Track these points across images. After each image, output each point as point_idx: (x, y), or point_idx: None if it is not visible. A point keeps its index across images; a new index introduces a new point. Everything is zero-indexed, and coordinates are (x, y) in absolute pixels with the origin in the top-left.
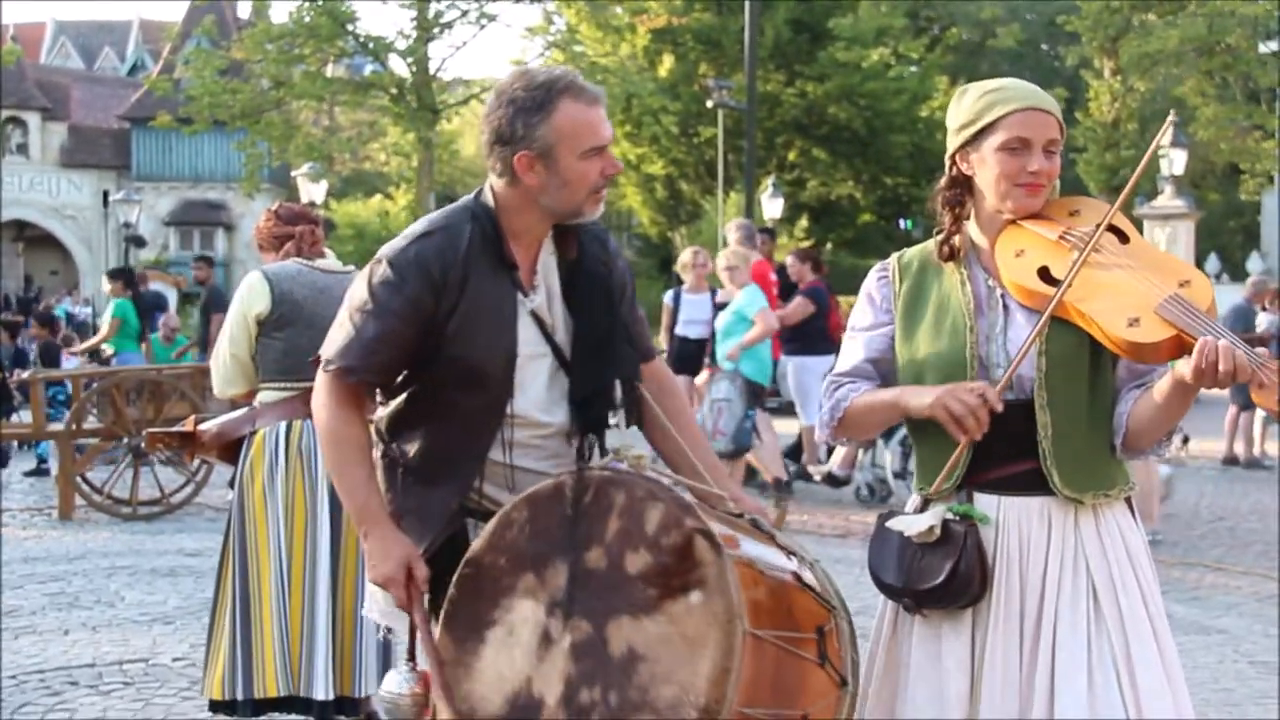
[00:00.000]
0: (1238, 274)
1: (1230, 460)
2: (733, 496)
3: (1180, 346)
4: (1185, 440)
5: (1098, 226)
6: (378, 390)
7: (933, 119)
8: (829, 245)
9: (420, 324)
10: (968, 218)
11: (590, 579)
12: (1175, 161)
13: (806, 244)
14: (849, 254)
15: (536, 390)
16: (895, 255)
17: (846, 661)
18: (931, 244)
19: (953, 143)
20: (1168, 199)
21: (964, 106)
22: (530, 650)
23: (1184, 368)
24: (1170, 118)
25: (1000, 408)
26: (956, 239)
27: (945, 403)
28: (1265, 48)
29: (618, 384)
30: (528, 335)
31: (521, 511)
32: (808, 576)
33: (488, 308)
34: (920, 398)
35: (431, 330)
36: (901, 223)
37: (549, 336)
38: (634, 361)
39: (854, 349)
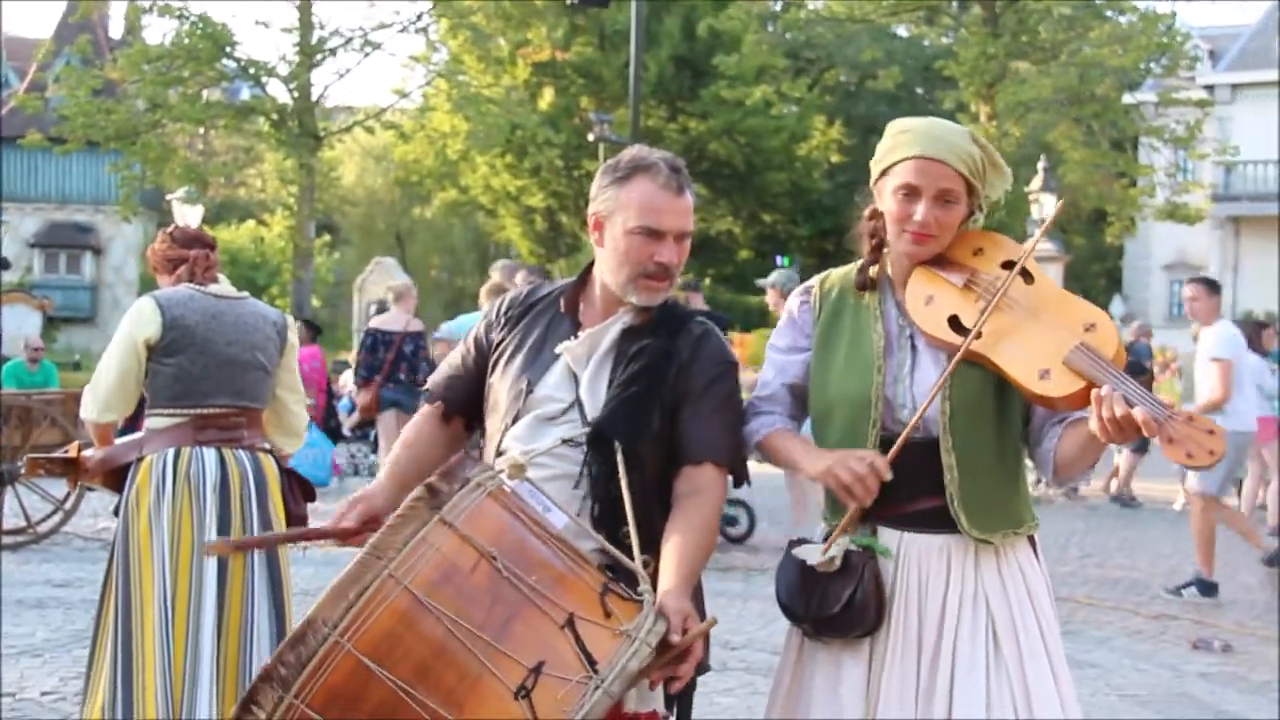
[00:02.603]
0: None
1: (1115, 496)
2: (662, 597)
3: (1089, 396)
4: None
5: (1008, 266)
6: (466, 419)
7: (810, 158)
8: (708, 280)
9: (481, 355)
10: (886, 248)
11: None
12: (1045, 205)
13: (684, 278)
14: (727, 289)
15: (529, 421)
16: (819, 277)
17: (565, 716)
18: (852, 270)
19: (872, 173)
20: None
21: (882, 141)
22: None
23: (1093, 425)
24: (1041, 163)
25: (889, 477)
26: (873, 269)
27: (835, 471)
28: (1130, 98)
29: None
30: (556, 378)
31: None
32: (591, 631)
33: (532, 344)
34: (814, 463)
35: (486, 361)
36: (779, 259)
37: (577, 384)
38: (630, 432)
39: (772, 372)
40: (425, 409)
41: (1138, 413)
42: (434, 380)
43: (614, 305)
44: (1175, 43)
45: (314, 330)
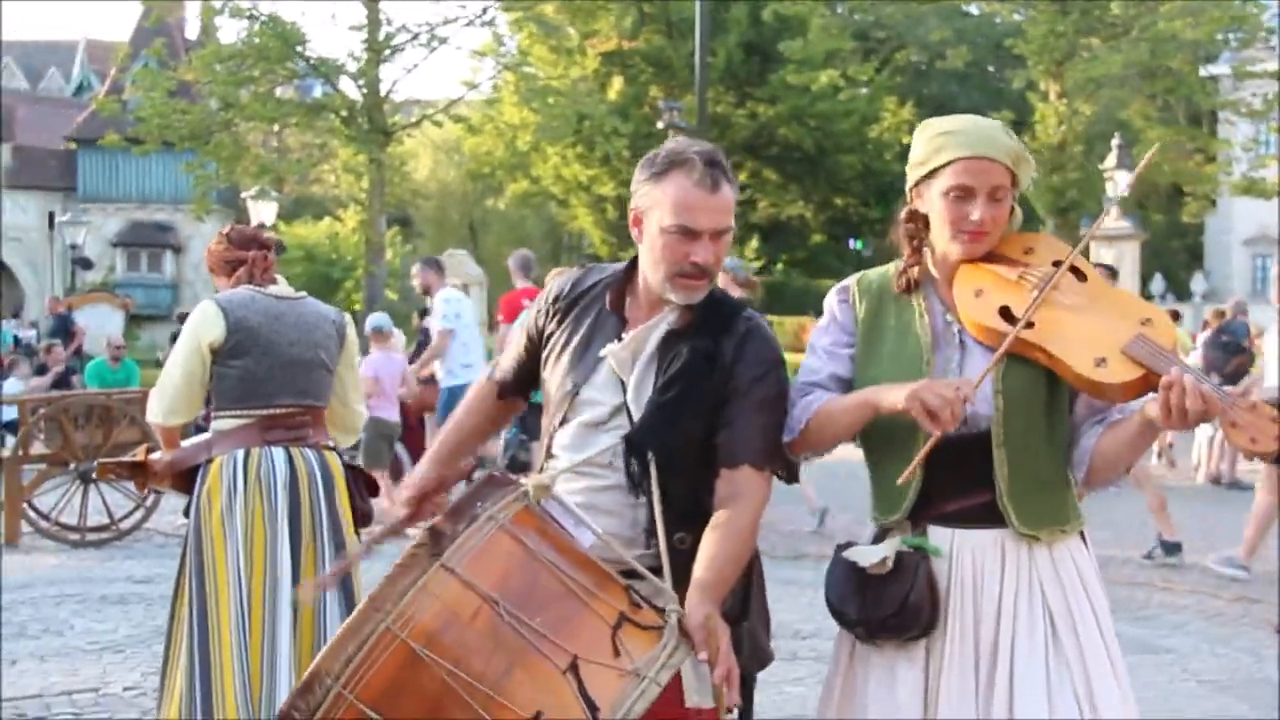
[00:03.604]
0: (1183, 293)
1: (1214, 480)
2: (691, 606)
3: (1146, 386)
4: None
5: (1058, 264)
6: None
7: (881, 140)
8: (780, 265)
9: (533, 342)
10: (927, 249)
11: None
12: (1120, 184)
13: (757, 264)
14: (800, 274)
15: (576, 426)
16: (855, 277)
17: None
18: (892, 269)
19: (910, 177)
20: (1113, 220)
21: (919, 143)
22: None
23: (1153, 409)
24: (1115, 140)
25: (975, 402)
26: (915, 271)
27: (921, 396)
28: (1206, 71)
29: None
30: (603, 379)
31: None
32: (595, 674)
33: (577, 343)
34: (894, 393)
35: (539, 350)
36: (852, 242)
37: (623, 389)
38: (668, 441)
39: (819, 362)
40: (483, 382)
41: (1206, 393)
42: (502, 361)
43: (658, 302)
44: (1250, 14)
45: None
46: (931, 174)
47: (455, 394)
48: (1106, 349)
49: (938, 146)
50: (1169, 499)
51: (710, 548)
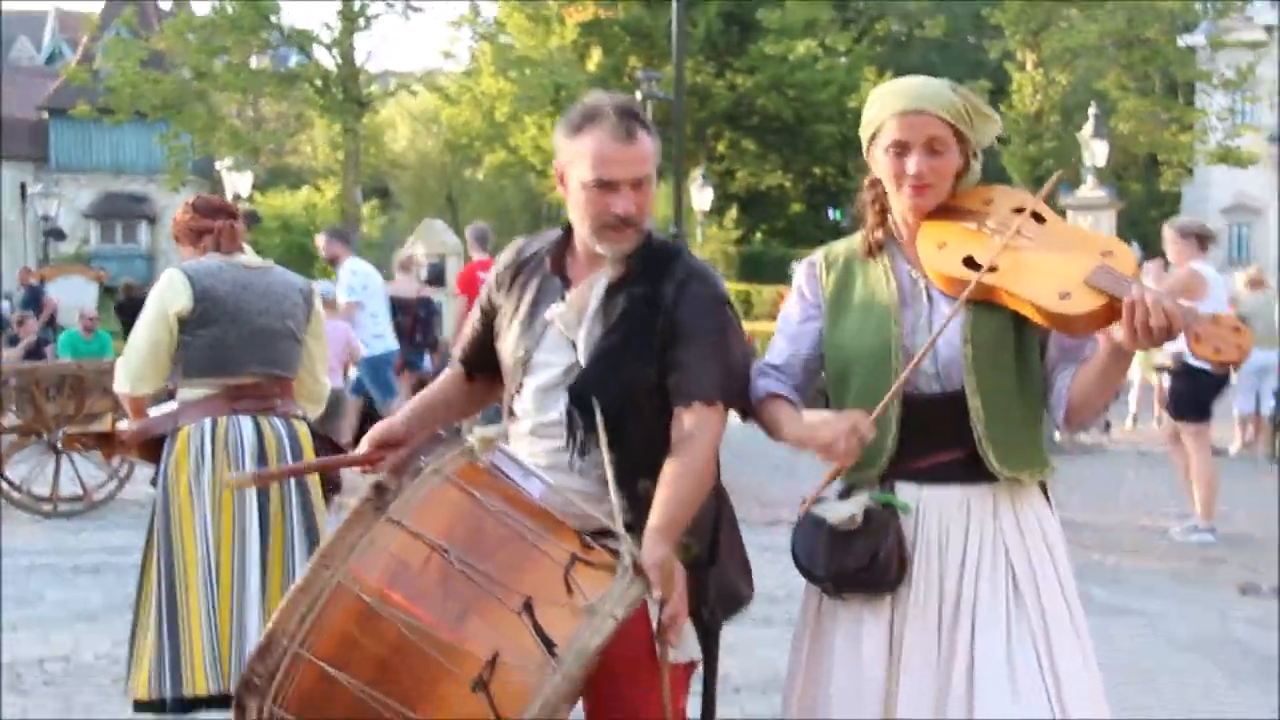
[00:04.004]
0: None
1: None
2: (647, 547)
3: (1112, 314)
4: (1107, 426)
5: (1019, 211)
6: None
7: (860, 109)
8: (759, 235)
9: (487, 319)
10: (889, 212)
11: None
12: (1097, 153)
13: (736, 234)
14: (779, 243)
15: (533, 391)
16: (822, 250)
17: (520, 708)
18: (858, 238)
19: (864, 144)
20: (1090, 190)
21: (866, 109)
22: None
23: (1119, 332)
24: (1092, 110)
25: (871, 436)
26: (879, 233)
27: (816, 433)
28: (1183, 41)
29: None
30: (551, 342)
31: None
32: (550, 613)
33: (525, 309)
34: (795, 427)
35: (492, 324)
36: (831, 212)
37: (574, 348)
38: (609, 389)
39: (784, 343)
40: (450, 369)
41: (1169, 309)
42: (458, 343)
43: (597, 258)
44: None
45: None
46: (875, 135)
47: (371, 365)
48: (1070, 282)
49: (877, 109)
50: (1142, 464)
51: (664, 490)
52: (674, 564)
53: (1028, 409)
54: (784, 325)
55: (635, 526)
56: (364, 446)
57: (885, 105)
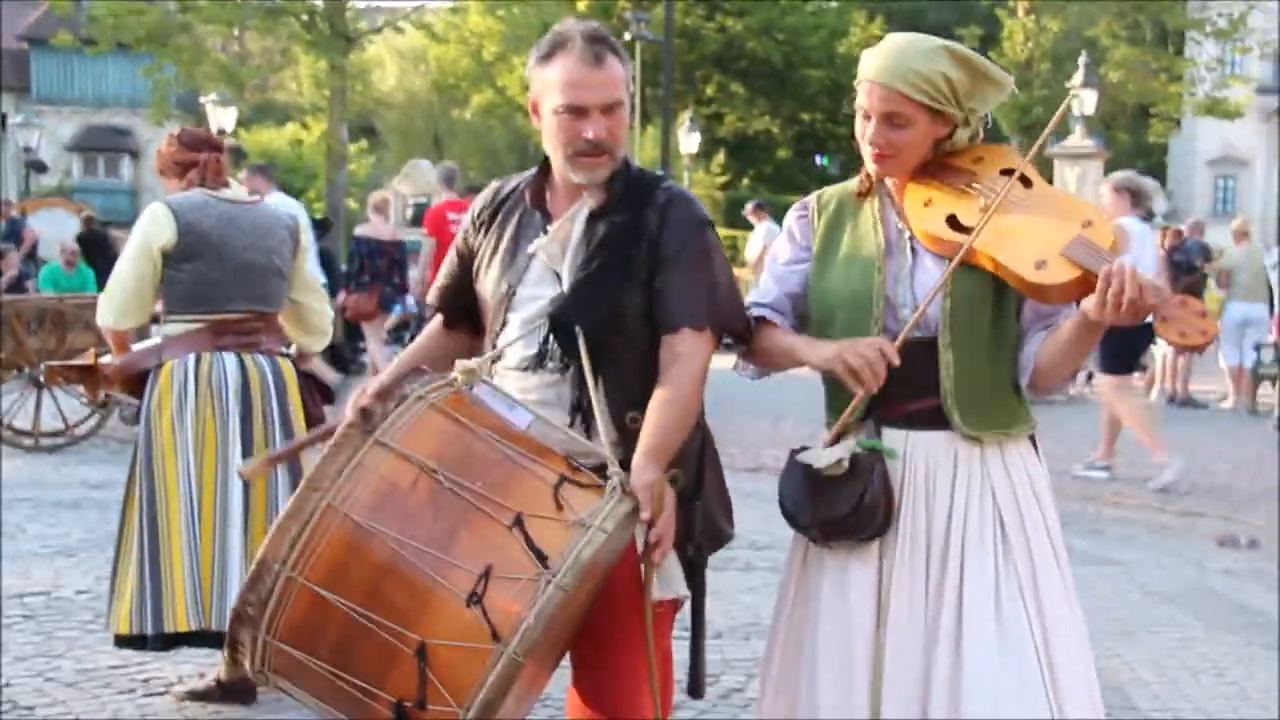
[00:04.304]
0: (1149, 213)
1: (1171, 398)
2: (635, 470)
3: (1086, 286)
4: (1089, 377)
5: (1007, 173)
6: (470, 324)
7: (850, 55)
8: (746, 180)
9: (465, 261)
10: None
11: None
12: (1086, 102)
13: (723, 179)
14: (766, 189)
15: (518, 324)
16: (815, 194)
17: (515, 619)
18: (852, 183)
19: None
20: (1078, 139)
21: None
22: None
23: (1089, 303)
24: (1082, 58)
25: (897, 362)
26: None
27: (844, 357)
28: None
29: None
30: (536, 276)
31: None
32: (541, 527)
33: (506, 245)
34: (819, 351)
35: (472, 266)
36: (818, 158)
37: (559, 280)
38: (592, 314)
39: (772, 283)
40: (431, 322)
41: (1143, 284)
42: (432, 292)
43: (576, 190)
44: None
45: (323, 226)
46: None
47: None
48: (1046, 251)
49: (862, 64)
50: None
51: (653, 414)
52: (664, 485)
53: (1000, 369)
54: (771, 266)
55: (623, 461)
56: (351, 411)
57: (864, 66)
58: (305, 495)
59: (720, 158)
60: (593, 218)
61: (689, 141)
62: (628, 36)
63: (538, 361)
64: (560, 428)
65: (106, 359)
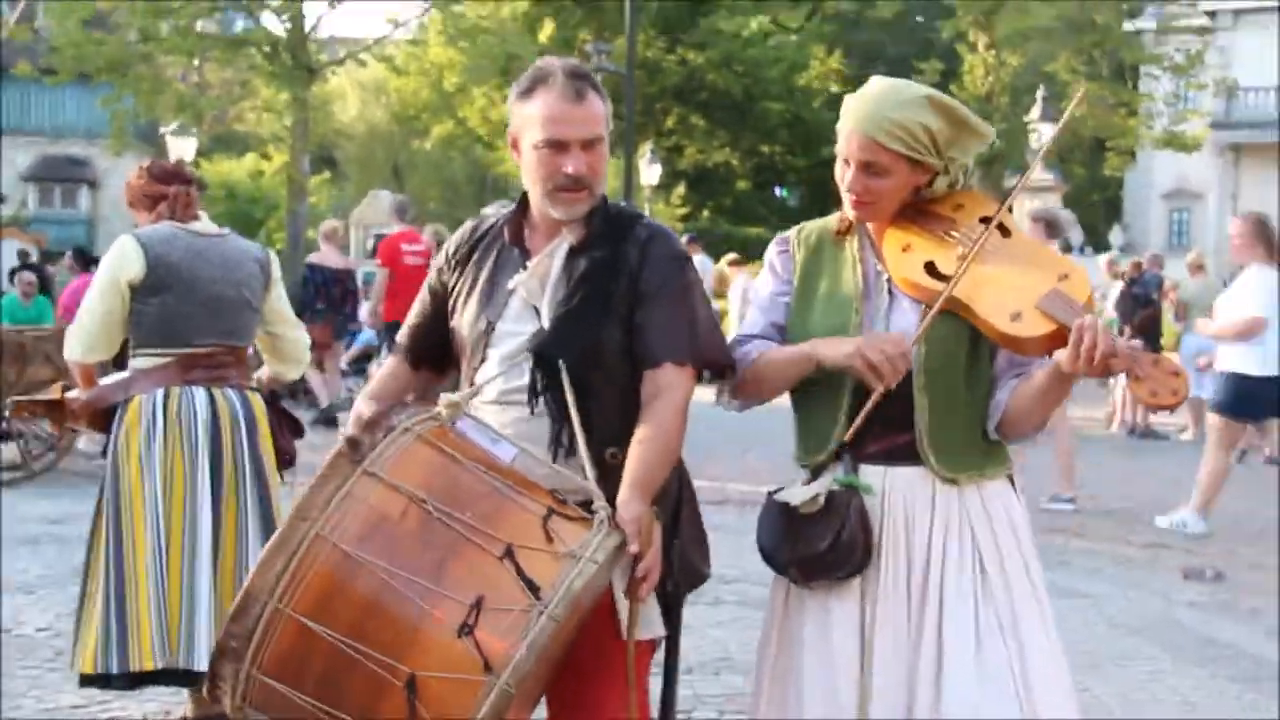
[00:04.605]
0: (1100, 245)
1: (1131, 430)
2: (621, 503)
3: (1060, 340)
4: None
5: (986, 221)
6: (434, 367)
7: (809, 88)
8: (706, 212)
9: (438, 300)
10: None
11: None
12: (1044, 135)
13: (683, 210)
14: (726, 220)
15: (498, 360)
16: (795, 229)
17: (508, 651)
18: (832, 219)
19: None
20: (1036, 172)
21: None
22: None
23: (1064, 357)
24: (1040, 93)
25: (909, 362)
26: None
27: (864, 352)
28: (1130, 25)
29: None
30: (515, 312)
31: None
32: (532, 558)
33: (484, 282)
34: (838, 347)
35: (446, 306)
36: (777, 190)
37: (538, 316)
38: (573, 349)
39: (757, 315)
40: (392, 360)
41: (1117, 345)
42: (400, 332)
43: (555, 226)
44: None
45: (86, 260)
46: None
47: None
48: (1022, 303)
49: (843, 112)
50: (1083, 447)
51: (636, 449)
52: (651, 519)
53: (973, 414)
54: (756, 299)
55: (605, 496)
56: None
57: (846, 114)
58: (293, 525)
59: (680, 190)
60: (572, 253)
61: (650, 173)
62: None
63: (523, 397)
64: (545, 461)
65: (73, 393)
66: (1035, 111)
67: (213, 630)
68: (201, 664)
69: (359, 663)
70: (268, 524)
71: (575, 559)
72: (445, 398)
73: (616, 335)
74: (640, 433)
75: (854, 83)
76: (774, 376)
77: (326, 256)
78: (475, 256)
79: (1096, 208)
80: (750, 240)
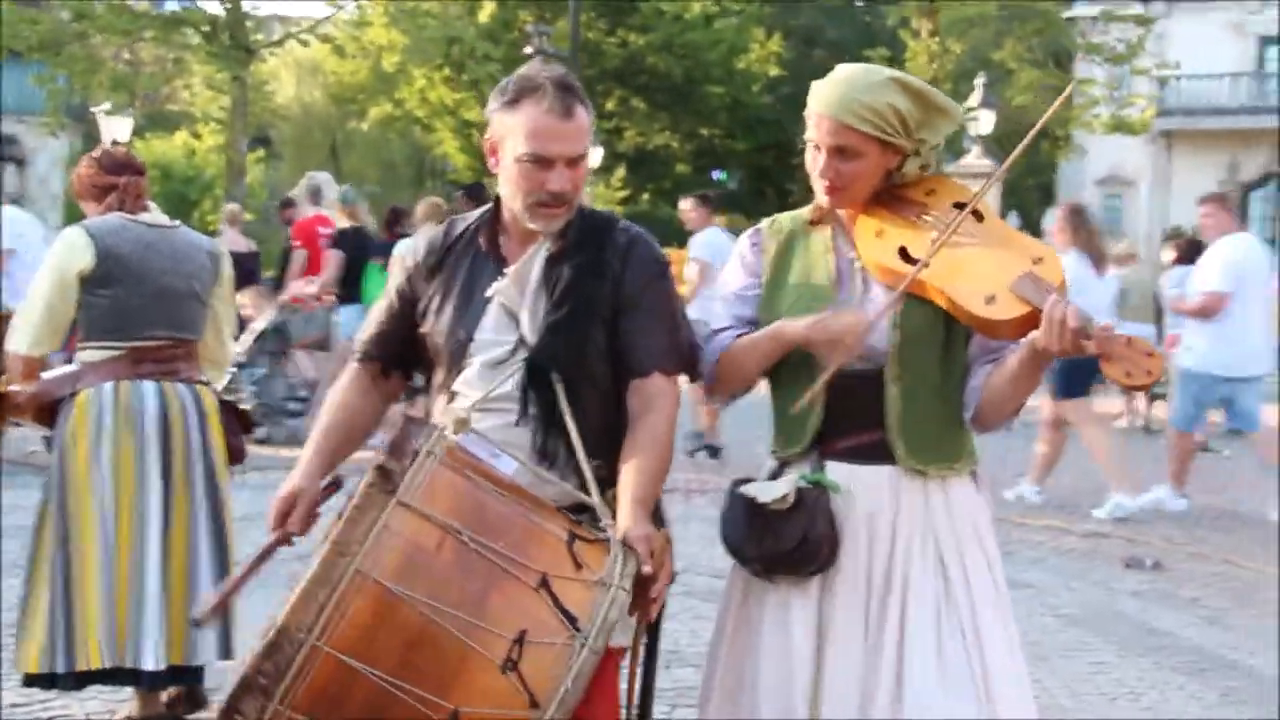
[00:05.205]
0: (1035, 230)
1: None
2: (623, 528)
3: (1034, 322)
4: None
5: (959, 206)
6: (405, 371)
7: (749, 71)
8: (645, 195)
9: (406, 306)
10: None
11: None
12: (984, 121)
13: (623, 193)
14: (666, 204)
15: (478, 368)
16: (768, 220)
17: (552, 686)
18: (805, 210)
19: None
20: (975, 158)
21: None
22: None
23: (1039, 334)
24: (979, 79)
25: (874, 333)
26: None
27: (825, 324)
28: (1069, 13)
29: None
30: (493, 320)
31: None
32: (566, 588)
33: (459, 290)
34: (796, 324)
35: (415, 312)
36: (716, 173)
37: (518, 324)
38: (566, 360)
39: (725, 307)
40: (354, 368)
41: (1083, 324)
42: (362, 338)
43: (530, 233)
44: None
45: None
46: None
47: None
48: (996, 286)
49: (811, 98)
50: (1029, 435)
51: (638, 462)
52: (662, 539)
53: (948, 403)
54: (724, 292)
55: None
56: (294, 520)
57: (814, 99)
58: (332, 560)
59: (620, 172)
60: (552, 260)
61: (591, 156)
62: (529, 49)
63: (502, 404)
64: (548, 476)
65: (16, 386)
66: (975, 98)
67: (161, 629)
68: (148, 663)
69: (400, 700)
70: (218, 521)
71: (605, 587)
72: (452, 413)
73: (600, 340)
74: (638, 445)
75: (792, 66)
76: (745, 362)
77: (231, 240)
78: (449, 263)
79: (1032, 193)
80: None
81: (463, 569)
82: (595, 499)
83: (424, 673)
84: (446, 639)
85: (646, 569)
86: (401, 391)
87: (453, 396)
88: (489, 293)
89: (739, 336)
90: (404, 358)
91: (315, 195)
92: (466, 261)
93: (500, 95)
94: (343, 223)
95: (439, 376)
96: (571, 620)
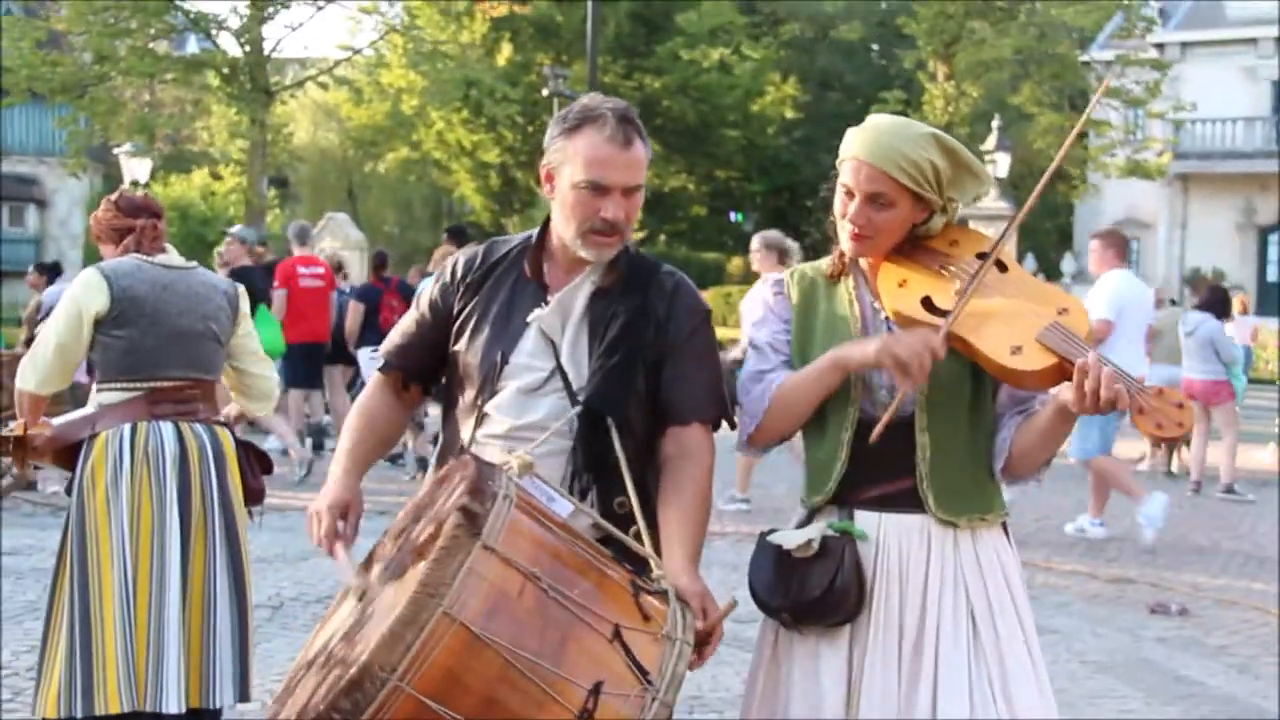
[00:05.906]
0: (1053, 273)
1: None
2: (677, 582)
3: (1061, 373)
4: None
5: (982, 256)
6: (423, 386)
7: (764, 114)
8: (662, 237)
9: (439, 320)
10: None
11: (405, 546)
12: (1000, 164)
13: (639, 235)
14: (681, 245)
15: (512, 394)
16: (789, 271)
17: None
18: (823, 263)
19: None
20: (992, 200)
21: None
22: (350, 607)
23: (1066, 394)
24: (995, 122)
25: (944, 355)
26: (846, 257)
27: (892, 349)
28: (1085, 57)
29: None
30: (531, 345)
31: (426, 486)
32: (636, 640)
33: (497, 313)
34: (864, 347)
35: (448, 328)
36: (732, 215)
37: (556, 352)
38: (620, 406)
39: (767, 352)
40: (378, 378)
41: (1114, 383)
42: (388, 348)
43: (576, 262)
44: (1134, 2)
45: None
46: (839, 166)
47: None
48: (1022, 337)
49: (848, 141)
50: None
51: (682, 516)
52: (710, 597)
53: (976, 452)
54: (756, 342)
55: (609, 541)
56: (346, 537)
57: (851, 143)
58: (422, 601)
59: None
60: (598, 294)
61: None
62: (545, 92)
63: (532, 435)
64: (601, 520)
65: (36, 430)
66: (990, 141)
67: (181, 672)
68: (169, 706)
69: None
70: (235, 562)
71: (672, 641)
72: (518, 456)
73: (640, 386)
74: (682, 499)
75: (808, 109)
76: (800, 399)
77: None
78: (490, 283)
79: (1049, 235)
80: (707, 265)
81: (543, 616)
82: (649, 550)
83: (504, 717)
84: (526, 686)
85: (700, 624)
86: (418, 405)
87: (482, 419)
88: (530, 318)
89: (790, 373)
90: (425, 372)
91: (302, 236)
92: (508, 284)
93: (561, 122)
94: (244, 261)
95: (467, 396)
96: (643, 673)
